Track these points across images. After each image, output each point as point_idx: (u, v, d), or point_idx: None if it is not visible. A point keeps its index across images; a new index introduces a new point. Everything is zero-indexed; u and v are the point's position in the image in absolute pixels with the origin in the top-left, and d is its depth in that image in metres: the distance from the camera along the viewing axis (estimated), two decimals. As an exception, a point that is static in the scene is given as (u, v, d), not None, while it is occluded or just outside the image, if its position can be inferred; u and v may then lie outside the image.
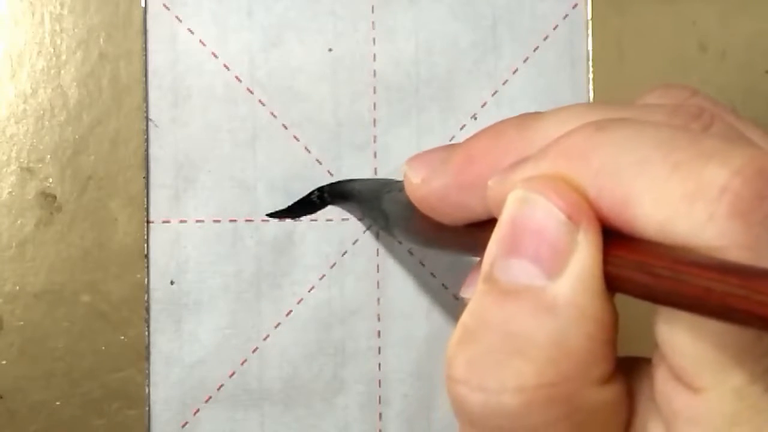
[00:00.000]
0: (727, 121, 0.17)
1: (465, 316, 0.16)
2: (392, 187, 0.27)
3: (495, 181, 0.17)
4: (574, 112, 0.18)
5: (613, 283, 0.15)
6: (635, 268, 0.14)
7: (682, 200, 0.14)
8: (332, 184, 0.32)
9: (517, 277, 0.16)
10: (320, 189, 0.32)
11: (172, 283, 0.31)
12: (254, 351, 0.32)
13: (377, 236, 0.33)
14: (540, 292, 0.15)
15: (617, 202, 0.15)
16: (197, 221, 0.31)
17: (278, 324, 0.32)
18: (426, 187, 0.20)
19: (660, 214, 0.14)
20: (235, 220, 0.32)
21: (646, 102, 0.19)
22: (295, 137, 0.32)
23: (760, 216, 0.13)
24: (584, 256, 0.15)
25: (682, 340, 0.14)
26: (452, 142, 0.33)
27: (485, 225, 0.18)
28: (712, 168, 0.14)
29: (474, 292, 0.16)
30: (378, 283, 0.33)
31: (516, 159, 0.17)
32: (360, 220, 0.32)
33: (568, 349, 0.15)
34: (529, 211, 0.16)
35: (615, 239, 0.15)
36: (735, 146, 0.14)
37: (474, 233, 0.19)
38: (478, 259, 0.21)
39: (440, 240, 0.22)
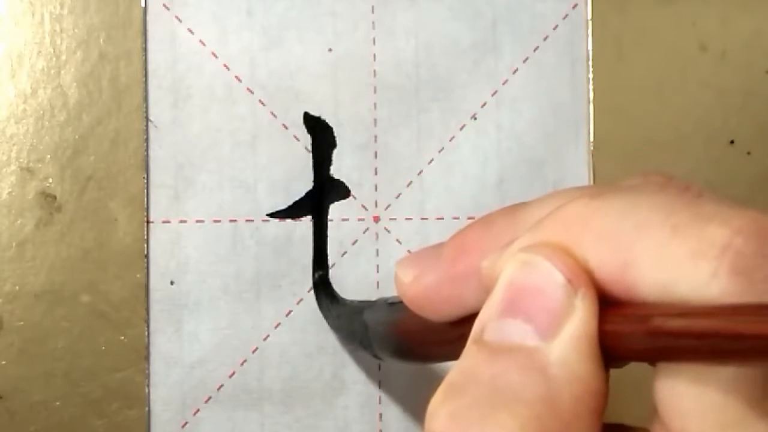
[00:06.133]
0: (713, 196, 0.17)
1: (451, 374, 0.16)
2: (373, 303, 0.27)
3: (489, 260, 0.17)
4: (562, 193, 0.18)
5: (614, 347, 0.15)
6: (640, 321, 0.14)
7: (684, 260, 0.14)
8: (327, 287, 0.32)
9: (509, 336, 0.15)
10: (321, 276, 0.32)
11: (172, 283, 0.31)
12: (254, 351, 0.32)
13: (377, 237, 0.33)
14: (532, 351, 0.15)
15: (617, 268, 0.15)
16: (197, 221, 0.31)
17: (278, 324, 0.32)
18: (418, 284, 0.19)
19: (662, 276, 0.14)
20: (235, 221, 0.32)
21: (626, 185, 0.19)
22: (295, 137, 0.32)
23: (762, 274, 0.13)
24: (581, 319, 0.15)
25: (685, 400, 0.14)
26: (452, 142, 0.33)
27: (474, 317, 0.18)
28: (714, 228, 0.14)
29: (463, 353, 0.16)
30: (378, 283, 0.33)
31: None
32: (341, 340, 0.32)
33: (556, 409, 0.15)
34: (528, 273, 0.16)
35: (616, 304, 0.15)
36: (733, 209, 0.14)
37: (463, 326, 0.19)
38: None
39: (424, 343, 0.22)
